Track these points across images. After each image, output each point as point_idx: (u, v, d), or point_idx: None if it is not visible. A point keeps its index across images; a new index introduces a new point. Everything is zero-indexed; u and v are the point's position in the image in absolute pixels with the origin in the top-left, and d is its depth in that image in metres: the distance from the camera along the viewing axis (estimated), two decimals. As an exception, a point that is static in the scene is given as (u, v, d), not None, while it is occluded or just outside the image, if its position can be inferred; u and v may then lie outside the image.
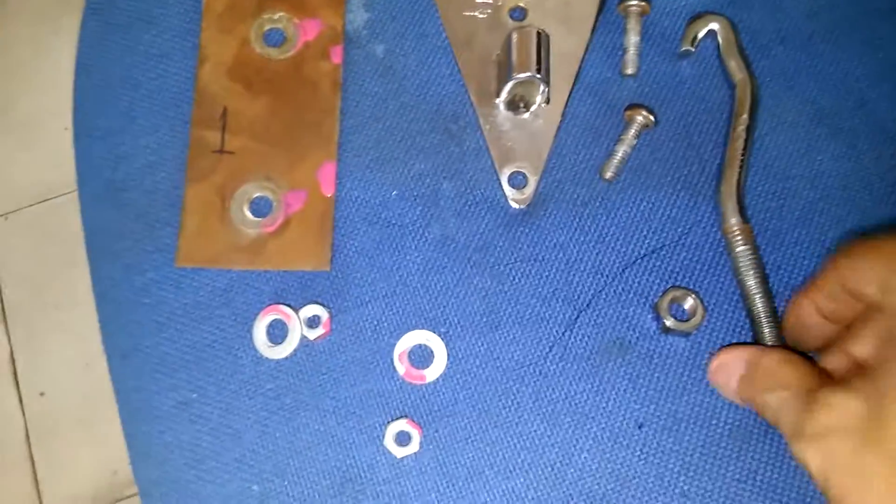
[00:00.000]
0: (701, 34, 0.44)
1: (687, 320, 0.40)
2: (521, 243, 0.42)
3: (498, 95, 0.44)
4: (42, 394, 1.12)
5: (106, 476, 1.08)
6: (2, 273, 1.17)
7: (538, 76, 0.42)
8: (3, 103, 1.25)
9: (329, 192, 0.43)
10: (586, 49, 0.45)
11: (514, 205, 0.43)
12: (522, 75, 0.42)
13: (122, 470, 1.08)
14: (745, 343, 0.39)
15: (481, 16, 0.46)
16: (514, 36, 0.42)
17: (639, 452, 0.39)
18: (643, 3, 0.45)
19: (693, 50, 0.44)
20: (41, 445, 1.10)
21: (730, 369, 0.36)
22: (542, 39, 0.42)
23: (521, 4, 0.46)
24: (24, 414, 1.11)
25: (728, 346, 0.39)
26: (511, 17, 0.46)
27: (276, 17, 0.45)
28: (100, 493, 1.07)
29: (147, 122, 0.44)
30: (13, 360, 1.13)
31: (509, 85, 0.42)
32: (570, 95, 0.45)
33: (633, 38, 0.45)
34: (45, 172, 1.21)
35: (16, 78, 1.27)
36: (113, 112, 0.45)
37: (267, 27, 0.45)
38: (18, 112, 1.25)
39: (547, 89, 0.43)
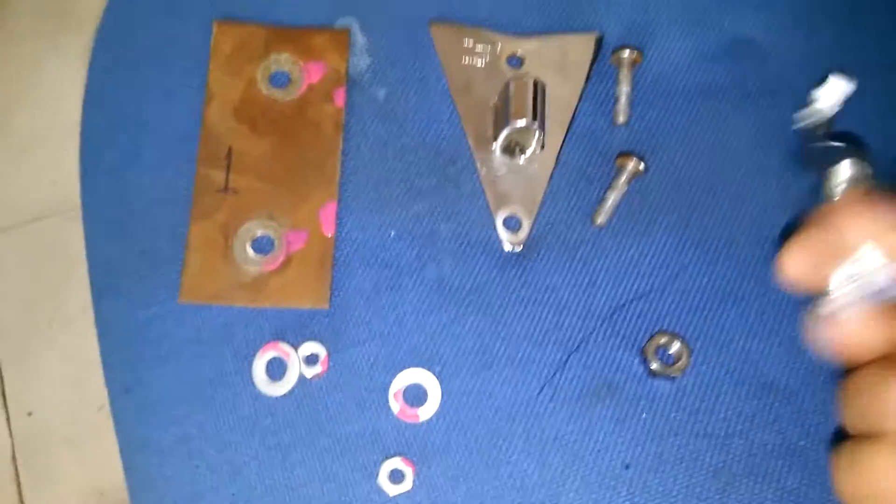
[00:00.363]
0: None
1: (673, 364, 0.41)
2: (514, 285, 0.43)
3: (495, 140, 0.45)
4: (30, 413, 1.12)
5: (93, 497, 1.08)
6: (-6, 291, 1.17)
7: (534, 124, 0.43)
8: (0, 120, 1.26)
9: (329, 231, 0.44)
10: (580, 97, 0.47)
11: (509, 247, 0.44)
12: (519, 123, 0.43)
13: (108, 491, 1.08)
14: None
15: (480, 63, 0.47)
16: (512, 85, 0.44)
17: (625, 493, 0.40)
18: (635, 54, 0.47)
19: None
20: (28, 466, 1.10)
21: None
22: (539, 88, 0.44)
23: (519, 53, 0.47)
24: (10, 434, 1.11)
25: None
26: (509, 64, 0.47)
27: (281, 59, 0.46)
28: (86, 514, 1.07)
29: (153, 159, 0.46)
30: (1, 379, 1.13)
31: (506, 131, 0.44)
32: (563, 142, 0.46)
33: (624, 88, 0.47)
34: (41, 190, 1.22)
35: (13, 95, 1.28)
36: (120, 148, 0.46)
37: (273, 69, 0.46)
38: (15, 129, 1.26)
39: (542, 136, 0.44)
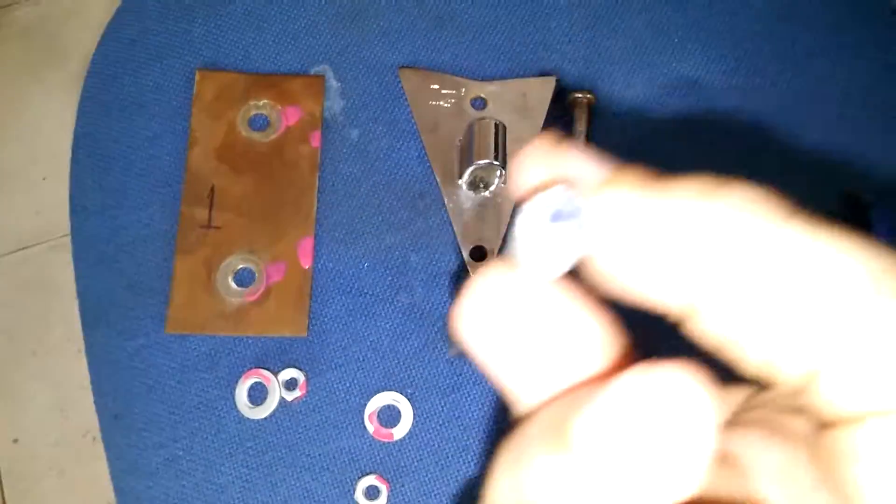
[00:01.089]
0: None
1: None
2: (480, 312, 0.47)
3: (460, 177, 0.49)
4: (15, 440, 1.13)
5: (78, 523, 1.09)
6: (-22, 320, 1.18)
7: (496, 162, 0.47)
8: (-16, 152, 1.28)
9: (307, 264, 0.47)
10: (540, 135, 0.50)
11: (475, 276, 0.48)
12: (482, 161, 0.47)
13: (94, 516, 1.09)
14: None
15: (445, 105, 0.51)
16: (475, 125, 0.48)
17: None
18: (589, 96, 0.50)
19: None
20: (14, 492, 1.11)
21: None
22: (500, 129, 0.47)
23: (482, 95, 0.51)
24: (-4, 461, 1.12)
25: None
26: (472, 105, 0.51)
27: (260, 104, 0.50)
28: (71, 540, 1.08)
29: (140, 199, 0.49)
30: (-13, 407, 1.14)
31: (470, 169, 0.47)
32: (525, 177, 0.50)
33: (579, 127, 0.50)
34: (22, 221, 1.24)
35: (-3, 127, 1.30)
36: (108, 188, 0.49)
37: (252, 113, 0.50)
38: (-1, 161, 1.28)
39: (504, 172, 0.48)
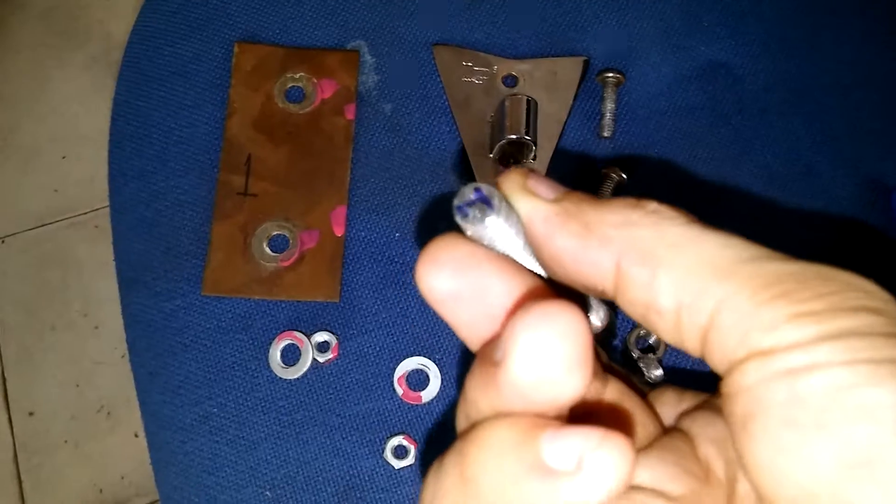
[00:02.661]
0: None
1: (656, 353, 0.45)
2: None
3: (490, 152, 0.50)
4: (31, 413, 1.15)
5: (92, 495, 1.10)
6: (-3, 294, 1.20)
7: (527, 137, 0.48)
8: (4, 129, 1.29)
9: (339, 232, 0.49)
10: (569, 113, 0.52)
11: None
12: (513, 136, 0.48)
13: (107, 489, 1.11)
14: None
15: (478, 82, 0.52)
16: (507, 101, 0.49)
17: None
18: (618, 76, 0.51)
19: None
20: (29, 464, 1.13)
21: None
22: (532, 106, 0.49)
23: (513, 73, 0.52)
24: (12, 433, 1.14)
25: None
26: (504, 83, 0.52)
27: (297, 76, 0.51)
28: (85, 512, 1.10)
29: (178, 166, 0.50)
30: (4, 380, 1.16)
31: (501, 143, 0.49)
32: (553, 153, 0.51)
33: (609, 106, 0.51)
34: (42, 198, 1.25)
35: (17, 106, 1.31)
36: (147, 155, 0.50)
37: (289, 85, 0.51)
38: (18, 139, 1.29)
39: (534, 148, 0.49)
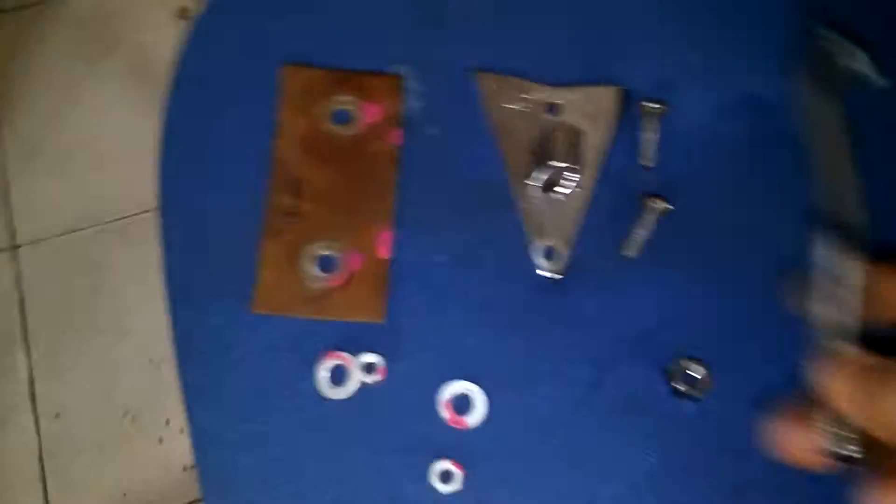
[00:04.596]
0: None
1: (696, 386, 0.46)
2: (551, 309, 0.49)
3: (533, 179, 0.51)
4: (57, 416, 1.17)
5: (116, 499, 1.12)
6: (27, 297, 1.22)
7: (571, 166, 0.49)
8: (36, 136, 1.32)
9: (385, 254, 0.49)
10: (610, 142, 0.52)
11: (546, 274, 0.50)
12: (557, 164, 0.49)
13: (131, 493, 1.12)
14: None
15: (520, 109, 0.53)
16: (550, 129, 0.50)
17: (653, 501, 0.45)
18: (661, 105, 0.52)
19: None
20: (54, 466, 1.14)
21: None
22: (575, 134, 0.49)
23: (556, 100, 0.53)
24: (39, 434, 1.15)
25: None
26: (546, 111, 0.53)
27: (343, 100, 0.52)
28: (109, 515, 1.11)
29: (228, 185, 0.51)
30: (32, 383, 1.18)
31: (544, 170, 0.49)
32: (596, 181, 0.52)
33: (651, 135, 0.52)
34: (73, 204, 1.27)
35: (49, 113, 1.34)
36: (197, 172, 0.51)
37: (336, 108, 0.52)
38: (50, 145, 1.32)
39: (577, 176, 0.50)
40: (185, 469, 1.13)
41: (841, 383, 0.32)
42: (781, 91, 0.53)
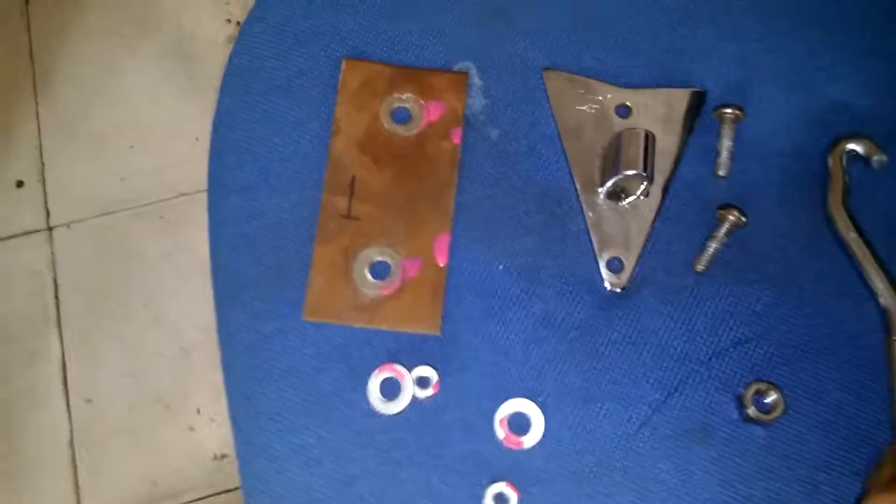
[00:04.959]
0: None
1: (769, 412, 0.43)
2: (615, 324, 0.46)
3: (601, 185, 0.48)
4: (89, 401, 1.16)
5: (145, 486, 1.11)
6: (60, 280, 1.21)
7: (644, 174, 0.46)
8: (74, 117, 1.30)
9: (442, 261, 0.47)
10: (683, 149, 0.49)
11: (611, 288, 0.47)
12: (630, 172, 0.46)
13: (161, 481, 1.11)
14: None
15: (589, 110, 0.50)
16: (624, 135, 0.47)
17: (715, 530, 0.42)
18: (737, 111, 0.49)
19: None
20: (84, 451, 1.14)
21: None
22: (650, 140, 0.46)
23: (627, 103, 0.50)
24: (70, 419, 1.15)
25: None
26: (617, 114, 0.50)
27: (403, 97, 0.50)
28: (138, 502, 1.10)
29: (280, 183, 0.49)
30: (64, 366, 1.17)
31: (616, 179, 0.47)
32: (665, 190, 0.49)
33: (726, 143, 0.49)
34: (108, 186, 1.26)
35: (87, 93, 1.32)
36: (249, 169, 0.49)
37: (395, 105, 0.50)
38: (87, 125, 1.30)
39: (648, 184, 0.47)
40: (215, 458, 1.12)
41: None
42: (863, 99, 0.50)
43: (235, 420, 0.46)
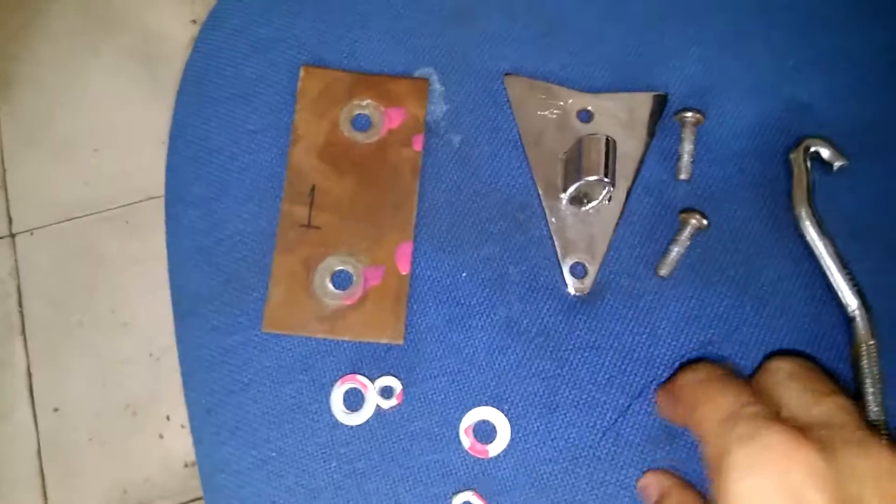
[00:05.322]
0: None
1: (732, 416, 0.43)
2: (579, 330, 0.46)
3: (564, 191, 0.48)
4: (56, 409, 1.14)
5: (116, 495, 1.10)
6: (24, 287, 1.19)
7: (606, 179, 0.46)
8: (36, 120, 1.28)
9: (405, 270, 0.47)
10: (645, 153, 0.49)
11: (574, 293, 0.47)
12: (591, 178, 0.46)
13: (131, 489, 1.10)
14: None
15: (551, 115, 0.50)
16: (585, 140, 0.46)
17: (681, 534, 0.42)
18: (698, 115, 0.49)
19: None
20: (52, 461, 1.12)
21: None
22: (611, 145, 0.46)
23: (588, 108, 0.50)
24: (37, 429, 1.13)
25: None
26: (578, 118, 0.50)
27: (364, 104, 0.49)
28: (108, 512, 1.09)
29: (240, 193, 0.48)
30: (30, 375, 1.15)
31: (577, 184, 0.46)
32: (628, 194, 0.49)
33: (687, 146, 0.49)
34: (72, 191, 1.24)
35: (50, 97, 1.30)
36: (207, 180, 0.48)
37: (355, 113, 0.49)
38: (51, 129, 1.28)
39: (611, 189, 0.47)
40: (185, 465, 1.11)
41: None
42: (825, 100, 0.50)
43: (197, 434, 0.45)
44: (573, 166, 0.47)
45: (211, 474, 0.44)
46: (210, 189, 0.48)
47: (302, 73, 0.49)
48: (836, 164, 0.48)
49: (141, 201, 1.23)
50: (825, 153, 0.48)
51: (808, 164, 0.48)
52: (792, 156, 0.49)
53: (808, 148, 0.48)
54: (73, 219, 1.23)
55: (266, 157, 0.48)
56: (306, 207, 0.47)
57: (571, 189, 0.47)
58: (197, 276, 0.47)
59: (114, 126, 1.27)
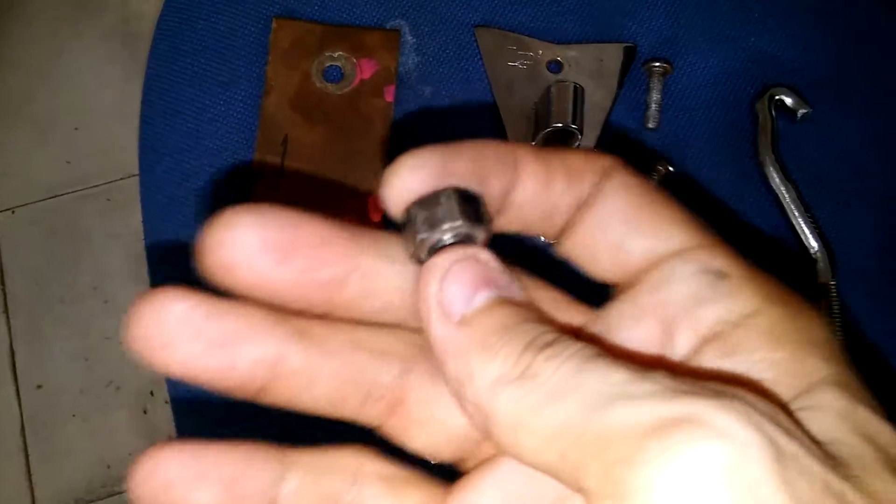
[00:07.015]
0: None
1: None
2: (549, 277, 0.47)
3: (533, 139, 0.49)
4: (39, 386, 1.14)
5: (100, 470, 1.10)
6: (6, 266, 1.19)
7: (573, 126, 0.46)
8: (18, 99, 1.28)
9: (376, 218, 0.47)
10: (613, 102, 0.50)
11: (544, 239, 0.48)
12: (559, 124, 0.46)
13: (115, 465, 1.10)
14: None
15: (521, 66, 0.51)
16: (553, 88, 0.47)
17: None
18: (665, 65, 0.50)
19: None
20: (36, 438, 1.12)
21: None
22: (579, 93, 0.47)
23: (558, 59, 0.51)
24: (20, 405, 1.13)
25: None
26: (548, 69, 0.51)
27: (335, 55, 0.49)
28: (93, 486, 1.09)
29: (213, 144, 0.48)
30: (12, 352, 1.15)
31: (546, 131, 0.47)
32: (597, 143, 0.49)
33: (654, 96, 0.50)
34: (54, 170, 1.24)
35: (32, 75, 1.29)
36: (181, 132, 0.49)
37: (327, 64, 0.49)
38: (32, 109, 1.28)
39: (579, 137, 0.48)
40: (169, 440, 1.11)
41: None
42: (789, 51, 0.51)
43: (172, 395, 0.46)
44: (543, 114, 0.48)
45: (183, 417, 0.45)
46: (183, 140, 0.49)
47: (274, 24, 0.50)
48: (800, 112, 0.49)
49: (122, 179, 1.23)
50: (789, 101, 0.49)
51: (773, 112, 0.49)
52: (757, 105, 0.49)
53: (772, 96, 0.49)
54: (55, 196, 1.22)
55: (238, 109, 0.49)
56: (279, 157, 0.48)
57: (541, 136, 0.48)
58: (170, 225, 0.48)
59: (94, 104, 1.27)
